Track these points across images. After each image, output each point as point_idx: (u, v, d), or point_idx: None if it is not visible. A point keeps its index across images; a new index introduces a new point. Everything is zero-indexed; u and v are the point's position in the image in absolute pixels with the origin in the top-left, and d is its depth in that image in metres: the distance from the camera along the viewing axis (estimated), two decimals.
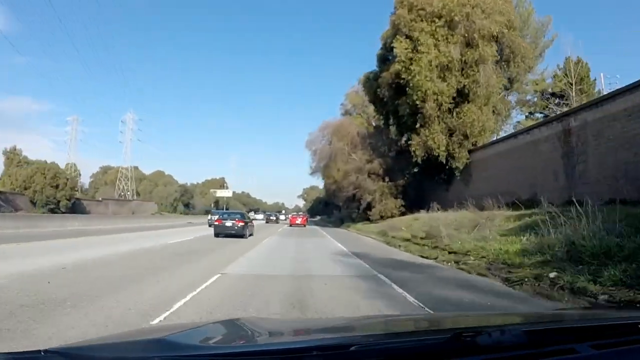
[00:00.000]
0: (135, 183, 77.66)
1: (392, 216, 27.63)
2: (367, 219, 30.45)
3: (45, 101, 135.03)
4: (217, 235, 19.08)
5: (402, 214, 27.31)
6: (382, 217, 28.10)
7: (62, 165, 67.67)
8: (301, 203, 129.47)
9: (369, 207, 30.23)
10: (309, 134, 47.29)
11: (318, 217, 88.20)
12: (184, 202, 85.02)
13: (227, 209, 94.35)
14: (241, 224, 19.31)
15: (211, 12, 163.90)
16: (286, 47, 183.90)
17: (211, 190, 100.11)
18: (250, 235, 20.42)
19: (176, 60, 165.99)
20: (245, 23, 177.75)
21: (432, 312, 5.05)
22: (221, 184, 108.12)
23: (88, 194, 69.05)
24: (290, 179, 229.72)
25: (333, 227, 41.28)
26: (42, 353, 1.14)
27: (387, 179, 30.48)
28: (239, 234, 18.90)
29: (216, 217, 22.51)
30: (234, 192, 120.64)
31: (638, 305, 5.07)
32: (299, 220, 39.93)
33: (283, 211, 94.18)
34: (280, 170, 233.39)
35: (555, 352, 1.22)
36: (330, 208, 79.62)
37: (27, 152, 57.14)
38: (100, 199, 59.77)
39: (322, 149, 40.62)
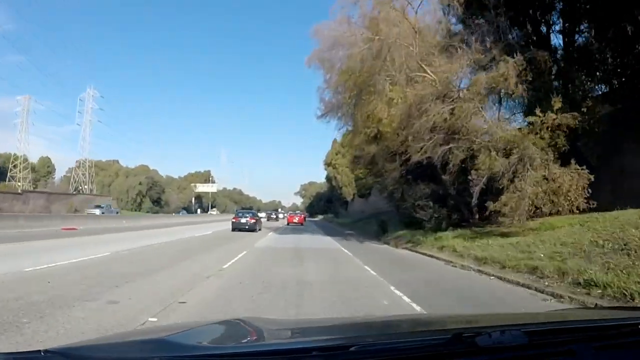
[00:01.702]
0: (97, 176, 65.87)
1: (557, 213, 12.01)
2: (485, 220, 14.27)
3: (43, 101, 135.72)
4: (234, 229, 23.41)
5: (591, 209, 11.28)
6: (531, 217, 12.17)
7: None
8: (299, 201, 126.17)
9: (489, 191, 13.09)
10: (315, 30, 19.60)
11: (320, 217, 77.54)
12: (153, 197, 71.88)
13: (212, 207, 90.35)
14: (253, 220, 24.47)
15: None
16: (286, 37, 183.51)
17: (192, 184, 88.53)
18: (259, 229, 24.79)
19: (166, 49, 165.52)
20: (241, 13, 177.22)
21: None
22: (206, 177, 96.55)
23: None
24: (287, 175, 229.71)
25: (364, 239, 20.48)
26: (42, 353, 1.16)
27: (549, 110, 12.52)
28: (251, 229, 23.55)
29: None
30: (224, 188, 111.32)
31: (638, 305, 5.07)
32: (296, 219, 41.76)
33: (279, 209, 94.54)
34: (277, 167, 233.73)
35: (555, 353, 1.24)
36: (335, 205, 68.08)
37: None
38: (20, 191, 45.52)
39: (351, 55, 17.02)
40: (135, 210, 64.32)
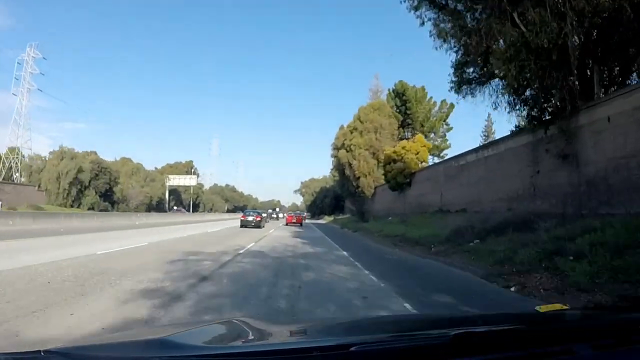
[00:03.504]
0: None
1: None
2: None
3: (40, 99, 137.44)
4: (242, 226, 27.70)
5: None
6: None
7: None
8: (299, 200, 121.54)
9: None
10: None
11: (327, 218, 63.39)
12: (100, 189, 53.63)
13: (197, 205, 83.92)
14: (259, 218, 29.13)
15: None
16: (280, 28, 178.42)
17: (165, 175, 72.15)
18: (263, 227, 29.53)
19: (160, 41, 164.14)
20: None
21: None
22: (188, 168, 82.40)
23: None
24: (286, 174, 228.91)
25: None
26: (42, 353, 1.18)
27: None
28: (257, 226, 28.14)
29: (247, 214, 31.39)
30: (215, 184, 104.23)
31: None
32: (294, 219, 41.65)
33: (277, 209, 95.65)
34: (276, 165, 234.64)
35: (554, 353, 1.26)
36: (348, 203, 51.86)
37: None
38: None
39: None
40: (73, 208, 46.76)
